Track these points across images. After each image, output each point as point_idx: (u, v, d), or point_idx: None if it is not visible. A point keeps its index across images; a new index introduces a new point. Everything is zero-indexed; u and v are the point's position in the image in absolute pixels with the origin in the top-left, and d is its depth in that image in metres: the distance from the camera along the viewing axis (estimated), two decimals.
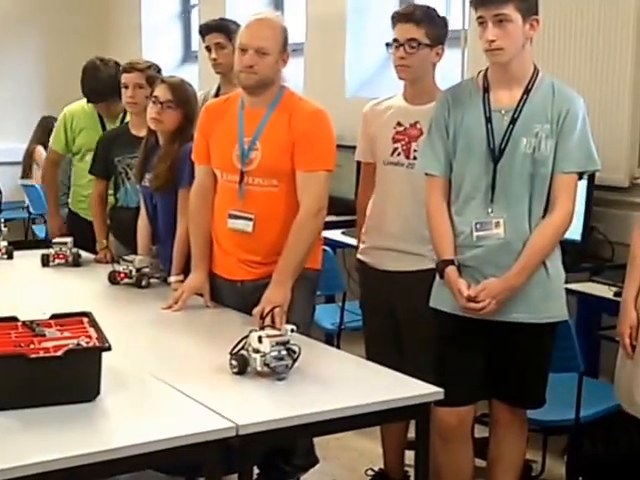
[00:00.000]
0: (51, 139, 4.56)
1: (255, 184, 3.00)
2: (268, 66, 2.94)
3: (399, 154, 3.12)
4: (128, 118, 4.17)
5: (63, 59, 7.89)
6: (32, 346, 2.21)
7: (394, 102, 3.19)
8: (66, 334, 2.31)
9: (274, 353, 2.35)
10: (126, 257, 3.51)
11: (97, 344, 2.22)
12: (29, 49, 8.23)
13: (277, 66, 2.97)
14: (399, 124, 3.13)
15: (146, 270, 3.47)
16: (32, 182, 7.25)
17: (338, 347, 3.97)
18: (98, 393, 2.18)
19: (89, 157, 4.21)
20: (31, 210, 7.41)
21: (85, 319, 2.44)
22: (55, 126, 4.54)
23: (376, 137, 3.18)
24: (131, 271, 3.46)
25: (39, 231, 7.19)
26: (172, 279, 3.36)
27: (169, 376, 2.37)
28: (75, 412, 2.10)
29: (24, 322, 2.38)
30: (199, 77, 6.60)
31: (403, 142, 3.11)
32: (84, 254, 3.95)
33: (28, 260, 4.00)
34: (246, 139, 3.00)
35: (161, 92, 3.40)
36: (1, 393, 2.09)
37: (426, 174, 2.85)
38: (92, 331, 2.33)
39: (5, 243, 4.06)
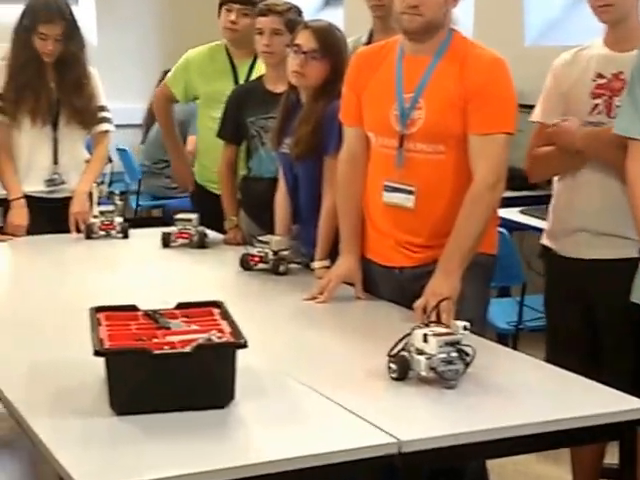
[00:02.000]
0: (167, 76, 4.66)
1: (417, 150, 2.97)
2: (436, 5, 2.90)
3: (599, 112, 3.03)
4: (258, 69, 4.22)
5: (182, 7, 8.07)
6: (155, 340, 2.26)
7: (592, 51, 3.11)
8: (194, 327, 2.35)
9: (442, 355, 2.33)
10: (261, 238, 3.55)
11: (231, 339, 2.24)
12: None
13: (446, 5, 2.93)
14: (600, 76, 3.04)
15: (285, 253, 3.50)
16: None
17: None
18: (232, 398, 2.20)
19: (216, 112, 4.29)
20: (127, 180, 7.58)
21: (216, 310, 2.47)
22: (174, 67, 4.62)
23: (570, 94, 3.11)
24: (267, 254, 3.50)
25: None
26: (316, 265, 3.38)
27: (314, 380, 2.38)
28: (206, 419, 2.13)
29: (145, 312, 2.44)
30: (344, 22, 6.61)
31: (604, 97, 3.02)
32: (211, 233, 4.03)
33: (146, 240, 4.12)
34: (406, 95, 2.97)
35: (304, 39, 3.41)
36: (120, 395, 2.15)
37: (628, 138, 2.77)
38: (224, 324, 2.37)
39: (120, 220, 4.18)
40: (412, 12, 2.90)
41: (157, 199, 7.40)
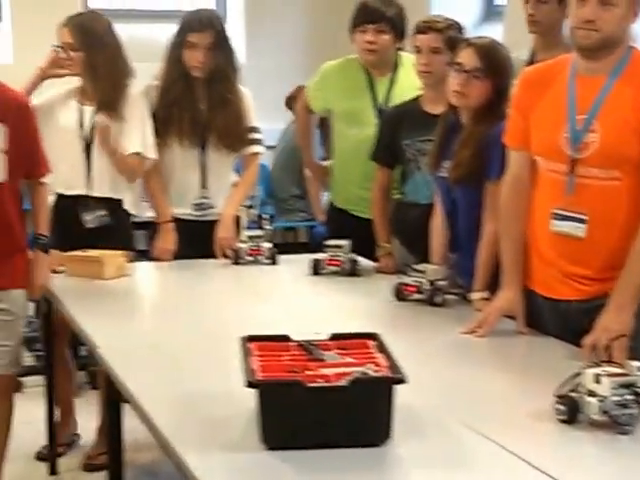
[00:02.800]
0: (306, 91, 4.70)
1: (590, 176, 2.90)
2: (614, 20, 2.82)
3: None
4: (400, 85, 4.21)
5: (326, 22, 8.14)
6: (308, 372, 2.25)
7: None
8: (349, 359, 2.34)
9: (615, 398, 2.25)
10: (416, 266, 3.53)
11: (389, 374, 2.22)
12: (291, 14, 8.59)
13: (626, 21, 2.86)
14: None
15: (441, 283, 3.47)
16: None
17: None
18: (389, 436, 2.18)
19: (352, 130, 4.29)
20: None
21: (371, 342, 2.45)
22: (312, 82, 4.66)
23: None
24: (422, 284, 3.47)
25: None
26: (475, 296, 3.34)
27: (475, 420, 2.34)
28: (361, 458, 2.11)
29: (298, 342, 2.44)
30: (504, 38, 6.53)
31: None
32: (362, 261, 4.03)
33: (295, 266, 4.16)
34: (579, 117, 2.91)
35: (467, 57, 3.38)
36: (271, 428, 2.15)
37: None
38: (381, 357, 2.34)
39: (269, 245, 4.22)
40: (588, 27, 2.84)
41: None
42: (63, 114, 4.27)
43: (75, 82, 4.34)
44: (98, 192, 4.26)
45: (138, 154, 4.23)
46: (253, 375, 2.19)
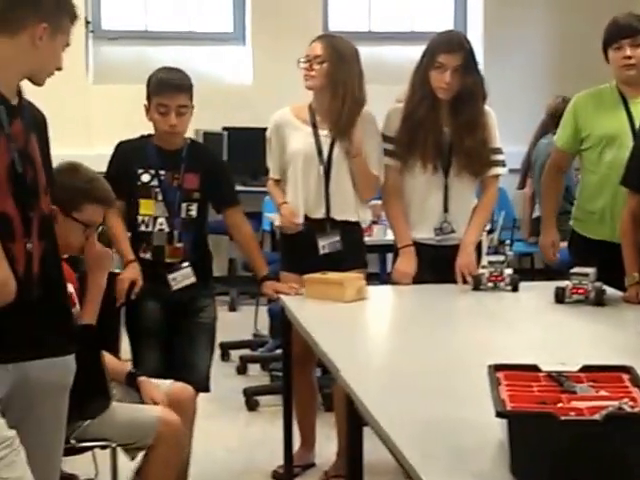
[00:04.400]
0: (559, 132, 4.65)
1: None
2: None
3: None
4: None
5: (574, 32, 8.05)
6: (560, 404, 2.22)
7: None
8: (602, 393, 2.29)
9: None
10: None
11: None
12: (536, 24, 8.53)
13: None
14: None
15: None
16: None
17: None
18: None
19: (609, 155, 4.22)
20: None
21: (625, 375, 2.40)
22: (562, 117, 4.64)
23: None
24: None
25: None
26: None
27: None
28: None
29: (548, 373, 2.41)
30: None
31: None
32: (609, 290, 3.94)
33: (537, 293, 4.12)
34: None
35: None
36: (521, 460, 2.12)
37: None
38: (636, 392, 2.29)
39: (510, 271, 4.19)
40: None
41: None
42: (295, 138, 4.42)
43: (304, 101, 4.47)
44: (336, 216, 4.38)
45: (377, 177, 4.36)
46: (503, 405, 2.18)
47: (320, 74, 4.30)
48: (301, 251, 4.39)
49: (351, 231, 4.44)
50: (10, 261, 2.63)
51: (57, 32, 2.84)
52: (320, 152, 4.38)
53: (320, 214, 4.40)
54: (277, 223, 4.59)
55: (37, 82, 2.88)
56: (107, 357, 3.59)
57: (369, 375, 3.03)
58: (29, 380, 2.77)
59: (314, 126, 4.41)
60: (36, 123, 2.92)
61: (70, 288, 3.44)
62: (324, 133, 4.39)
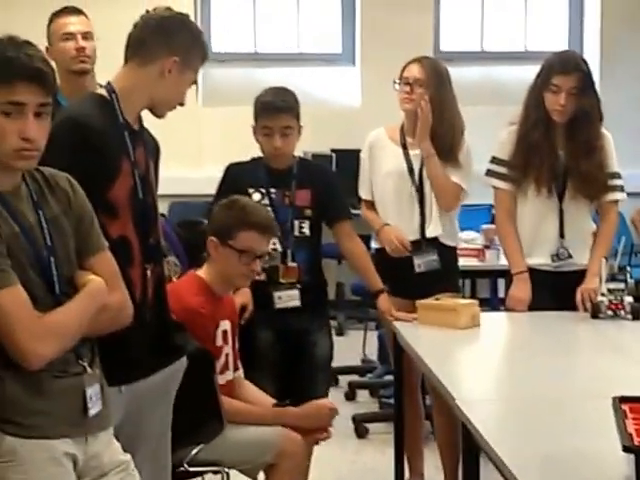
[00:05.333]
0: None
1: None
2: None
3: None
4: None
5: None
6: None
7: None
8: None
9: None
10: None
11: None
12: None
13: None
14: None
15: None
16: None
17: None
18: None
19: None
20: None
21: None
22: None
23: None
24: None
25: None
26: None
27: None
28: None
29: None
30: None
31: None
32: None
33: None
34: None
35: None
36: None
37: None
38: None
39: (630, 299, 4.10)
40: None
41: None
42: (386, 159, 4.44)
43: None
44: (430, 234, 4.39)
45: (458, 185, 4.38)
46: (630, 439, 2.15)
47: (421, 97, 4.31)
48: (395, 270, 4.38)
49: (446, 253, 4.44)
50: (127, 285, 2.69)
51: (186, 68, 2.95)
52: (411, 171, 4.39)
53: (414, 234, 4.40)
54: (375, 245, 4.57)
55: (158, 114, 2.97)
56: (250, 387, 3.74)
57: (485, 404, 3.01)
58: (139, 398, 2.83)
59: (404, 147, 4.43)
60: (152, 150, 3.01)
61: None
62: (414, 153, 4.40)
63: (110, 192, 2.83)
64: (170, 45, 2.90)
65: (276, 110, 4.10)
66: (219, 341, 3.62)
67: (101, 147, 2.82)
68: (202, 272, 3.69)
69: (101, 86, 3.06)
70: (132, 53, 2.95)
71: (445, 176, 4.36)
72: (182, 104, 3.00)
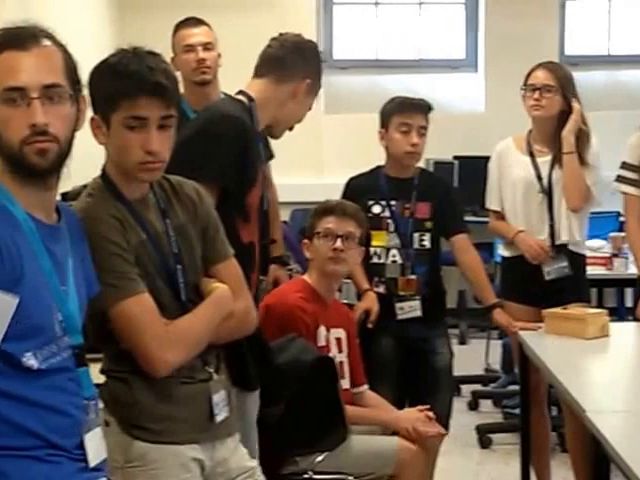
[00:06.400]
0: None
1: None
2: None
3: None
4: None
5: None
6: None
7: None
8: None
9: None
10: None
11: None
12: None
13: None
14: None
15: None
16: None
17: None
18: None
19: None
20: None
21: None
22: None
23: None
24: None
25: None
26: None
27: None
28: None
29: None
30: None
31: None
32: None
33: None
34: None
35: None
36: None
37: None
38: None
39: None
40: None
41: None
42: (514, 168, 4.39)
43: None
44: (560, 241, 4.32)
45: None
46: None
47: (552, 103, 4.25)
48: (524, 278, 4.34)
49: (575, 261, 4.36)
50: None
51: (312, 91, 3.05)
52: (540, 178, 4.33)
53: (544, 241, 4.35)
54: (504, 253, 4.51)
55: (275, 134, 3.05)
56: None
57: (615, 416, 2.96)
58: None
59: (531, 154, 4.37)
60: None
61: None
62: (542, 160, 4.34)
63: (248, 197, 2.91)
64: (306, 68, 3.01)
65: (417, 108, 4.14)
66: (321, 341, 3.64)
67: (253, 153, 2.92)
68: (306, 276, 3.80)
69: (225, 94, 3.13)
70: (268, 69, 3.04)
71: (580, 173, 4.27)
72: (299, 121, 3.07)
